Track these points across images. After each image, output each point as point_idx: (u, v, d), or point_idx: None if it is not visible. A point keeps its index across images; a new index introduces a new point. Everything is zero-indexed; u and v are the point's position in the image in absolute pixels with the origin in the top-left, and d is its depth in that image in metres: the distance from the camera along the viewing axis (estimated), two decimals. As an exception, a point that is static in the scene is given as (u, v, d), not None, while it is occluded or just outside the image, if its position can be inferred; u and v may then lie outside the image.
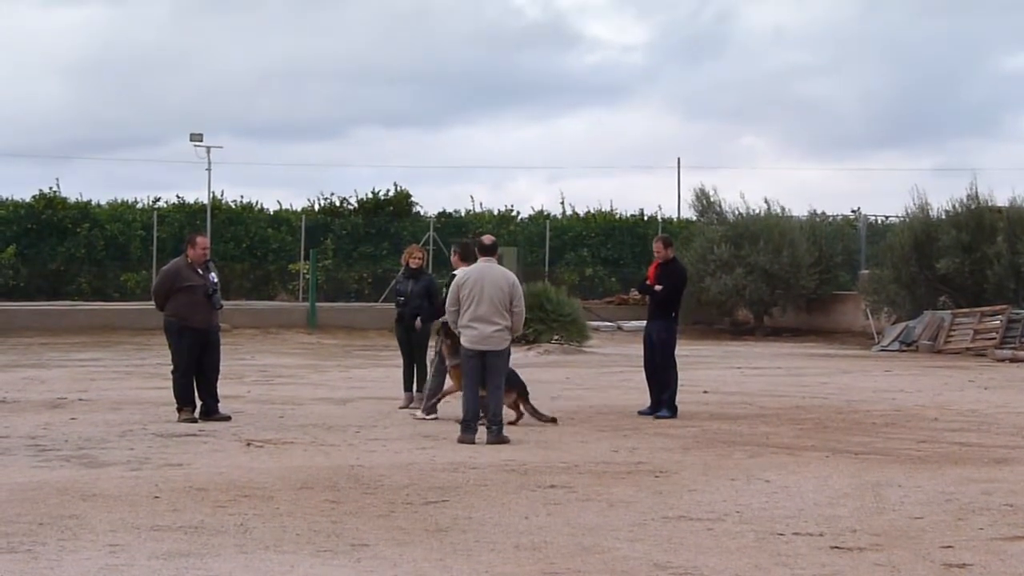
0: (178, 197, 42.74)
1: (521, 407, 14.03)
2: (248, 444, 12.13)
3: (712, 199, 38.52)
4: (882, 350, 29.98)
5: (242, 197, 43.44)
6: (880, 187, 73.96)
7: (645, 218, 45.02)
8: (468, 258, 13.80)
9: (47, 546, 7.51)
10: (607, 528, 8.27)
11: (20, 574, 6.82)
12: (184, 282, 14.06)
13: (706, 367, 23.20)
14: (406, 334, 15.67)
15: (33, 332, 30.35)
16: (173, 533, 7.92)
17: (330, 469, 10.57)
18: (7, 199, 40.23)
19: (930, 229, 32.71)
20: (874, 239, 37.51)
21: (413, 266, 15.57)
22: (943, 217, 33.10)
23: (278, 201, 54.55)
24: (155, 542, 7.65)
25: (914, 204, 33.94)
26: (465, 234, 41.42)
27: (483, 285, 12.66)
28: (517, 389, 13.97)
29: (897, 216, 36.85)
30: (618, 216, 44.91)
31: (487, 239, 13.32)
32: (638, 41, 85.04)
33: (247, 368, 21.77)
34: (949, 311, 30.57)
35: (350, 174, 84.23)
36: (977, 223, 32.20)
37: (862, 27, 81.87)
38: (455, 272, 13.91)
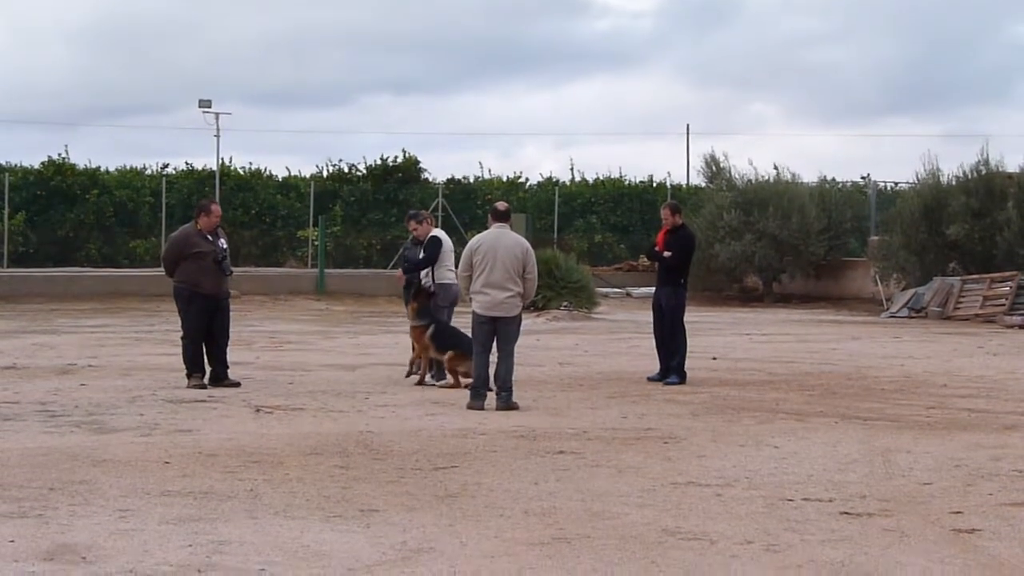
0: (187, 164, 42.77)
1: (456, 364, 14.00)
2: (257, 410, 12.15)
3: (721, 165, 38.43)
4: (891, 316, 29.95)
5: (251, 164, 43.48)
6: (890, 153, 73.95)
7: (654, 184, 44.93)
8: (429, 221, 15.58)
9: (58, 511, 7.53)
10: (616, 494, 8.28)
11: (31, 538, 6.85)
12: (193, 249, 14.06)
13: (715, 333, 23.20)
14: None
15: (43, 298, 30.41)
16: (183, 498, 7.95)
17: (339, 435, 10.59)
18: (16, 166, 40.25)
19: (940, 195, 32.63)
20: (884, 205, 37.43)
21: (419, 236, 15.53)
22: (953, 183, 33.01)
23: (287, 167, 54.64)
24: (165, 507, 7.68)
25: (924, 170, 33.88)
26: (474, 200, 41.45)
27: (496, 251, 12.63)
28: (451, 347, 14.03)
29: (907, 182, 36.79)
30: (627, 183, 44.82)
31: (501, 205, 13.29)
32: (648, 8, 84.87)
33: (256, 334, 21.80)
34: (958, 277, 30.53)
35: (359, 141, 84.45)
36: (987, 189, 32.11)
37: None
38: (433, 235, 14.90)
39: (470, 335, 13.10)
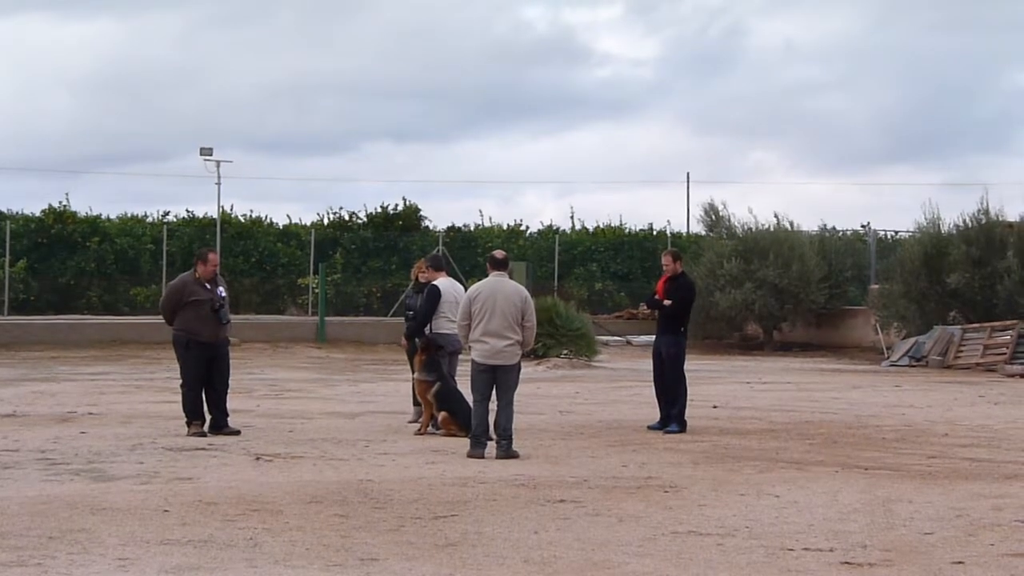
0: (188, 211, 42.93)
1: (447, 427, 14.14)
2: (257, 458, 12.13)
3: (721, 213, 38.53)
4: (892, 365, 29.93)
5: (251, 211, 43.59)
6: (890, 202, 74.10)
7: (654, 232, 45.05)
8: (439, 270, 15.07)
9: (57, 560, 7.51)
10: (617, 543, 8.26)
11: (30, 588, 6.83)
12: (191, 297, 14.08)
13: (716, 382, 23.18)
14: (415, 348, 15.62)
15: (43, 346, 30.41)
16: (182, 547, 7.93)
17: (339, 483, 10.57)
18: (18, 213, 40.35)
19: (940, 244, 32.69)
20: (884, 254, 37.48)
21: (423, 280, 15.52)
22: (953, 232, 33.08)
23: (287, 215, 54.68)
24: (164, 556, 7.65)
25: (925, 219, 33.95)
26: (474, 248, 41.54)
27: (495, 299, 12.64)
28: (448, 409, 14.18)
29: (907, 231, 36.87)
30: (627, 231, 44.94)
31: (499, 253, 13.31)
32: (648, 56, 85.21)
33: (256, 382, 21.78)
34: (959, 326, 30.51)
35: (359, 188, 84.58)
36: (987, 238, 32.17)
37: (872, 42, 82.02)
38: (432, 283, 14.70)
39: (470, 394, 13.08)
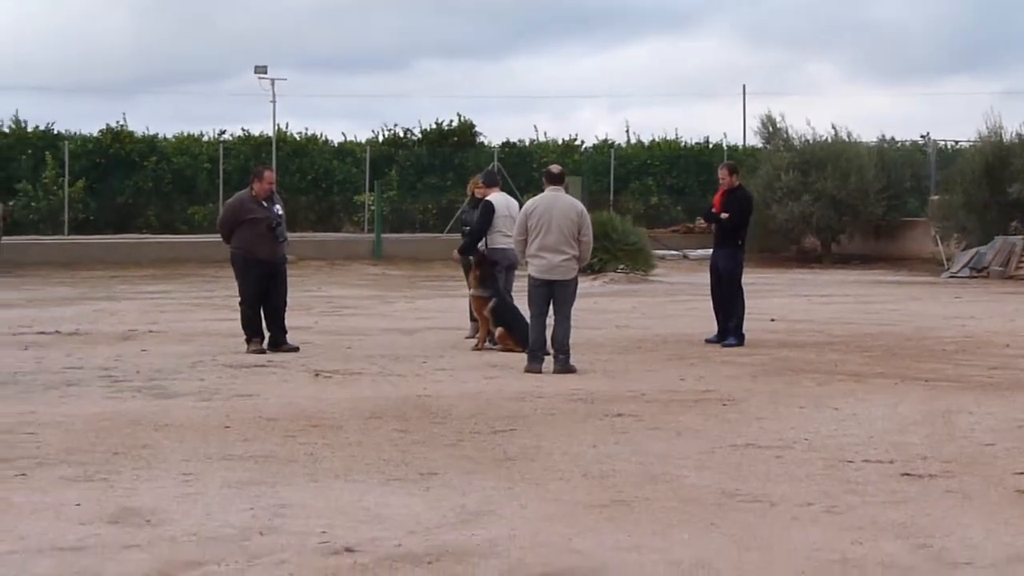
0: (243, 130, 42.89)
1: (504, 343, 14.16)
2: (316, 374, 12.22)
3: (778, 125, 38.12)
4: (952, 276, 29.64)
5: (307, 129, 43.52)
6: (950, 112, 73.06)
7: (710, 146, 44.65)
8: (492, 185, 15.20)
9: (122, 475, 7.62)
10: (675, 456, 8.27)
11: (97, 502, 6.93)
12: (248, 215, 14.12)
13: (773, 295, 23.06)
14: (470, 263, 15.62)
15: (103, 265, 30.71)
16: (244, 462, 8.02)
17: (398, 399, 10.64)
18: (75, 134, 40.59)
19: (1002, 153, 32.20)
20: (943, 164, 36.99)
21: (479, 195, 15.50)
22: (1015, 141, 32.56)
23: (342, 133, 54.64)
24: (227, 471, 7.74)
25: (987, 128, 33.42)
26: (529, 163, 41.36)
27: (551, 214, 12.59)
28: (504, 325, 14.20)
29: (967, 141, 36.33)
30: (683, 144, 44.59)
31: (555, 168, 13.24)
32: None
33: (314, 299, 21.91)
34: (1021, 236, 30.15)
35: (413, 105, 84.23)
36: (1050, 147, 31.68)
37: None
38: (486, 199, 14.79)
39: (527, 308, 13.07)
